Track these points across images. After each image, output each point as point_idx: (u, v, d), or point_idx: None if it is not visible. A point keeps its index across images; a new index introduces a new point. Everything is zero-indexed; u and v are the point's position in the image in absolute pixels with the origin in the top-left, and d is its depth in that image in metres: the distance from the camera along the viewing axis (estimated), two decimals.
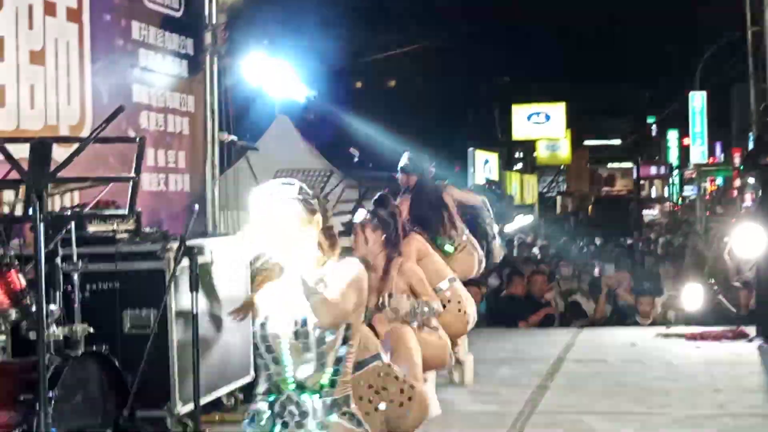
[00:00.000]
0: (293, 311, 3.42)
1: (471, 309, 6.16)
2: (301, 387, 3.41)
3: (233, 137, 7.02)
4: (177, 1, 8.06)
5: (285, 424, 3.40)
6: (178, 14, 8.09)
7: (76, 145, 3.52)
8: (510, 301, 10.97)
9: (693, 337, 8.94)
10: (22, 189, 4.50)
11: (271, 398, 3.44)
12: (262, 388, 3.46)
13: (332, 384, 3.41)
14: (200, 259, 5.44)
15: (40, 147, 3.36)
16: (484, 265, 7.30)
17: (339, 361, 3.41)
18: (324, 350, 3.38)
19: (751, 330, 8.92)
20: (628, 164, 54.91)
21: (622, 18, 39.85)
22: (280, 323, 3.42)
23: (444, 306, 5.73)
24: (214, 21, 8.58)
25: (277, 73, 9.41)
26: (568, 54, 41.15)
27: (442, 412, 6.08)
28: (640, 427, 5.83)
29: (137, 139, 3.79)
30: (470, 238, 7.14)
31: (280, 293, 3.47)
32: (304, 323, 3.39)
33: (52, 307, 4.36)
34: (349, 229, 8.55)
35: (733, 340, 8.79)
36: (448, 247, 6.87)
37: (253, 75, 9.15)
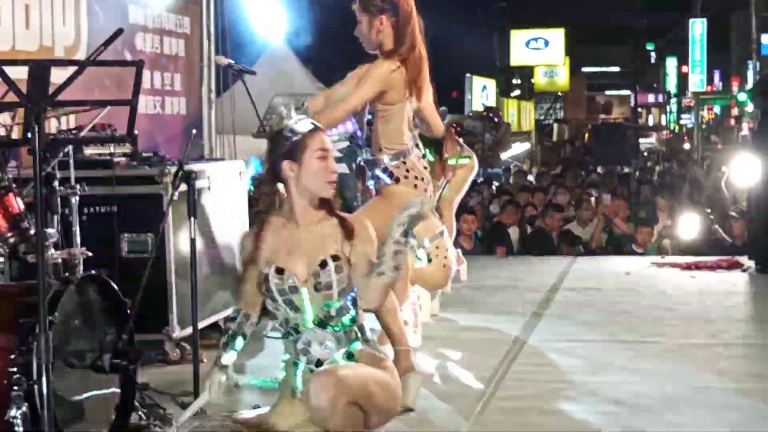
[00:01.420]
0: (310, 261, 3.41)
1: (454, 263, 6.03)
2: (322, 325, 3.42)
3: (230, 61, 6.94)
4: None
5: (310, 361, 3.42)
6: None
7: (72, 67, 3.47)
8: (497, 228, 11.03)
9: (688, 267, 8.99)
10: (18, 111, 4.46)
11: (290, 337, 3.45)
12: (276, 331, 3.48)
13: (353, 321, 3.45)
14: (198, 184, 5.43)
15: (38, 69, 3.31)
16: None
17: (356, 300, 3.44)
18: (346, 296, 3.41)
19: (746, 260, 8.97)
20: (625, 92, 54.71)
21: None
22: (298, 274, 3.41)
23: (430, 260, 5.67)
24: None
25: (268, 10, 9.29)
26: None
27: (436, 340, 6.13)
28: (633, 356, 5.88)
29: (136, 62, 3.74)
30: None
31: (290, 239, 3.45)
32: (326, 276, 3.39)
33: (50, 230, 4.36)
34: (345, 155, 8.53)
35: (728, 270, 8.84)
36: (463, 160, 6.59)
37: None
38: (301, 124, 3.47)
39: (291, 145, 3.43)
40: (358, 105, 4.81)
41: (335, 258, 3.42)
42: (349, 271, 3.41)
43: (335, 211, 3.49)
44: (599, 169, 22.11)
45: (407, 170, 4.91)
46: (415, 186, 4.90)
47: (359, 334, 3.49)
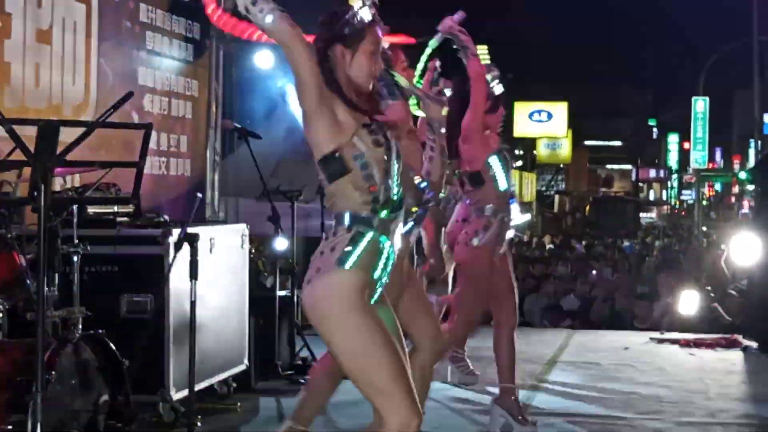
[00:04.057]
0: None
1: None
2: (399, 207, 3.26)
3: (236, 124, 7.01)
4: None
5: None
6: None
7: (79, 127, 3.51)
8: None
9: (687, 344, 8.95)
10: (24, 170, 4.49)
11: (383, 215, 3.19)
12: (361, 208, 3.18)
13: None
14: (200, 246, 5.42)
15: (48, 129, 3.35)
16: None
17: None
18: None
19: (744, 339, 8.94)
20: (627, 166, 55.00)
21: (627, 21, 39.88)
22: (391, 140, 3.27)
23: None
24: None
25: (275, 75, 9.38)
26: (573, 54, 41.07)
27: (433, 410, 6.08)
28: None
29: (145, 125, 3.79)
30: None
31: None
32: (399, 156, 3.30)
33: (51, 289, 4.36)
34: None
35: (727, 348, 8.81)
36: None
37: (258, 62, 9.12)
38: (364, 11, 3.27)
39: (350, 31, 3.25)
40: None
41: None
42: None
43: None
44: (594, 241, 22.13)
45: None
46: None
47: None
